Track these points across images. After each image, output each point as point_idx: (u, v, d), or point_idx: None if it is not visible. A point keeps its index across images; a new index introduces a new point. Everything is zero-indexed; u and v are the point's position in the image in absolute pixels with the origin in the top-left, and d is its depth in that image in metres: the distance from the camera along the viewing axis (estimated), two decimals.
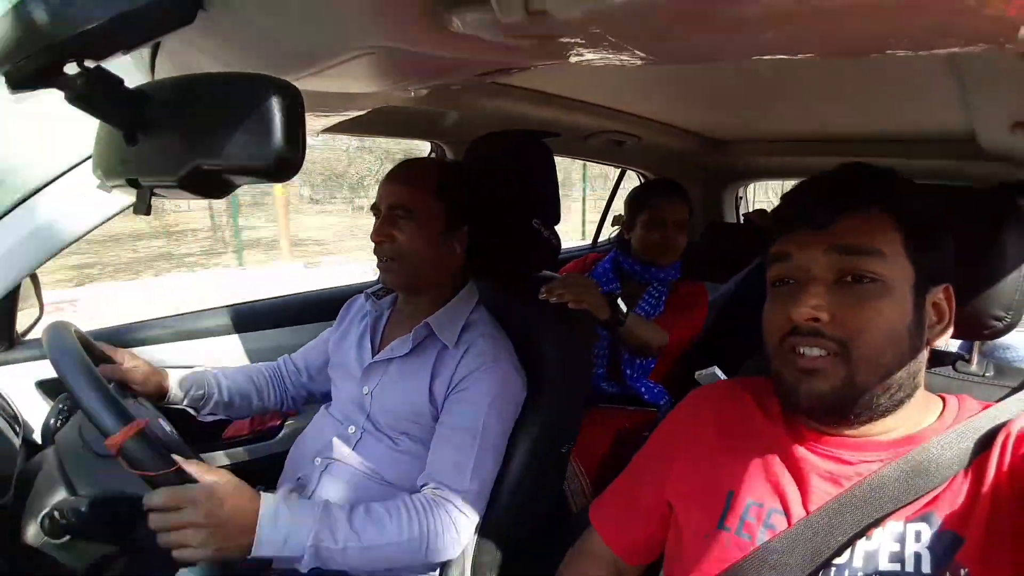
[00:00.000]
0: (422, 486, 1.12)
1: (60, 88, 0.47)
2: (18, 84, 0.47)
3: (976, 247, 0.81)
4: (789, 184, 0.82)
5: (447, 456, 1.13)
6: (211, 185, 0.52)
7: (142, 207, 0.57)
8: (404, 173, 1.25)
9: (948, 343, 0.81)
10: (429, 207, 1.20)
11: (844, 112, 1.65)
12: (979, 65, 0.93)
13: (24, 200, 1.19)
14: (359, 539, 1.01)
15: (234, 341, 1.70)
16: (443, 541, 1.08)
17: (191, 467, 0.90)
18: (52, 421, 1.22)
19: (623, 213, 2.09)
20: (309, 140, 0.51)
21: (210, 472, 0.92)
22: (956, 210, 0.79)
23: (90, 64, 0.47)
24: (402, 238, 1.19)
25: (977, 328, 0.84)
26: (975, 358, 0.89)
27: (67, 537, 0.99)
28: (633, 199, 2.04)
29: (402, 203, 1.19)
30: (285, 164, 0.48)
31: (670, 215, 1.92)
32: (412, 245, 1.19)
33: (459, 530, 1.09)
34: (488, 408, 1.13)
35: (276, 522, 0.93)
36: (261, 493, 0.95)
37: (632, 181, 2.86)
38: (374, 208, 1.24)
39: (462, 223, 1.24)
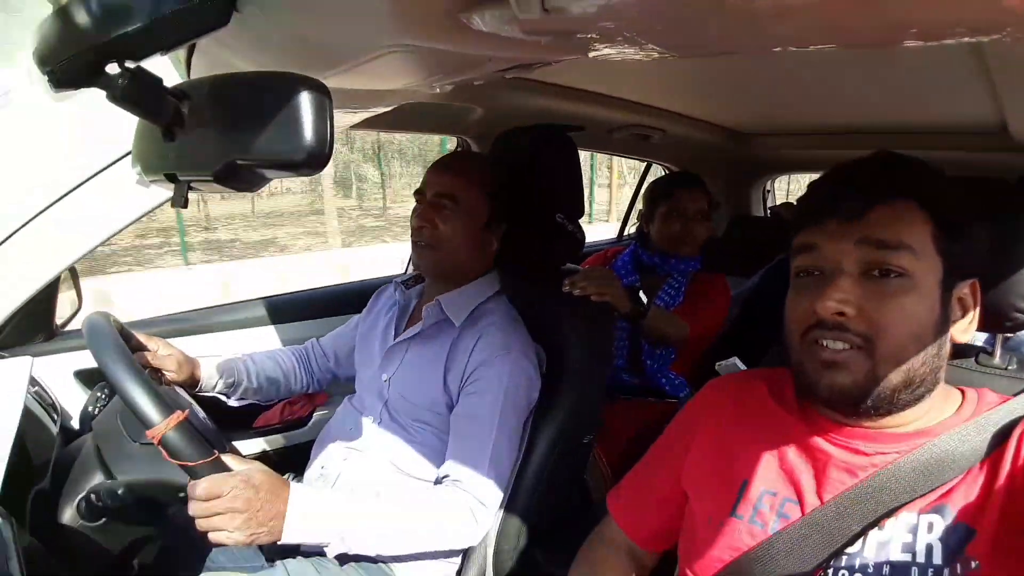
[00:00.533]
0: (443, 477, 1.14)
1: (102, 87, 0.49)
2: (61, 83, 0.49)
3: (999, 239, 0.79)
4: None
5: (464, 447, 1.14)
6: (244, 179, 0.54)
7: (180, 200, 0.60)
8: (457, 164, 1.27)
9: (973, 337, 0.80)
10: (476, 200, 1.22)
11: (870, 104, 1.62)
12: (1009, 56, 0.91)
13: (64, 196, 1.23)
14: (382, 528, 1.04)
15: (267, 332, 1.74)
16: (463, 530, 1.11)
17: (226, 456, 0.93)
18: (90, 408, 1.26)
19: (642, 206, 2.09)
20: None
21: (243, 461, 0.95)
22: (979, 201, 0.78)
23: (131, 64, 0.49)
24: (444, 227, 1.20)
25: (999, 320, 0.83)
26: (998, 351, 0.88)
27: (103, 519, 1.03)
28: (651, 191, 2.04)
29: (451, 193, 1.21)
30: (314, 158, 0.50)
31: (689, 206, 1.92)
32: (453, 234, 1.21)
33: (478, 519, 1.11)
34: (504, 398, 1.15)
35: (305, 510, 0.95)
36: (291, 483, 0.97)
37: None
38: (418, 193, 1.25)
39: (503, 221, 1.26)
